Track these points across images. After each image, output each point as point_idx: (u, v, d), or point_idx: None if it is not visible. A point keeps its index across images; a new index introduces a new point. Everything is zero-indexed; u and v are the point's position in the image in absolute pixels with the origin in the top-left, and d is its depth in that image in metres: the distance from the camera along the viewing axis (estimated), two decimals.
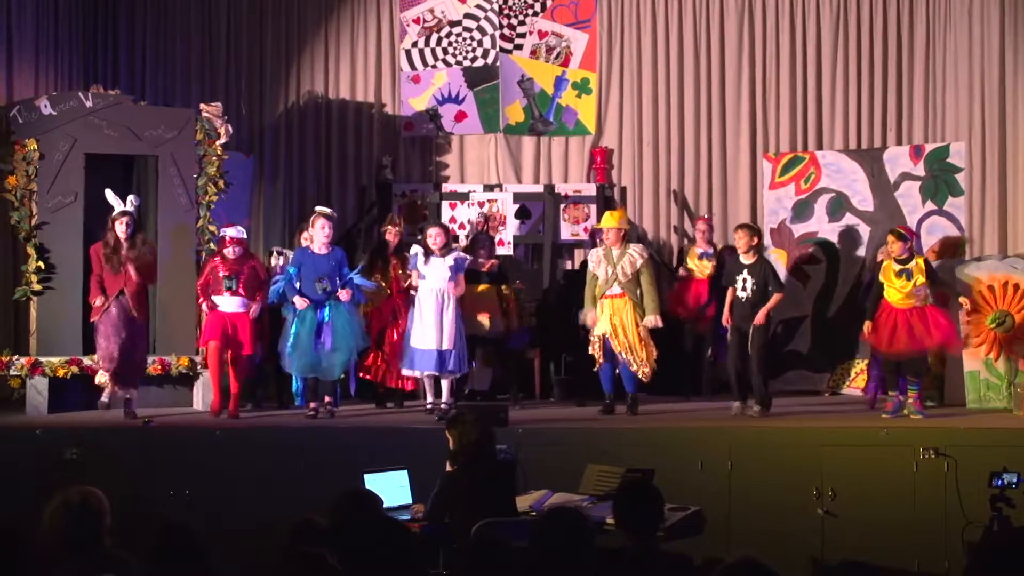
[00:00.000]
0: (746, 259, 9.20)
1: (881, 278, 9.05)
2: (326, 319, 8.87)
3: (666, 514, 5.33)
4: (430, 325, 9.15)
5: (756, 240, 9.28)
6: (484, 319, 9.58)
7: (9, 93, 10.06)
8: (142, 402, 8.96)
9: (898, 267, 8.96)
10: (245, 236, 9.26)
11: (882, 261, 9.27)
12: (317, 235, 9.07)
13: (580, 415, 9.12)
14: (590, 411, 9.21)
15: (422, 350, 9.16)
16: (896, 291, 8.93)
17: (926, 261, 9.14)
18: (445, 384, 9.20)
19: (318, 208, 9.35)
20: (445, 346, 9.13)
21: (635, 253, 9.12)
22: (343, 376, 9.26)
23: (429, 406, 9.18)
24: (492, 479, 6.07)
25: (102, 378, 8.83)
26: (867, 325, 9.03)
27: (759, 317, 9.03)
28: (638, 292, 9.03)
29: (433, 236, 9.35)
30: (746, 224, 9.75)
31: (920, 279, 8.89)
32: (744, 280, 9.12)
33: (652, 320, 9.00)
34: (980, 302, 9.51)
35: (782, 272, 10.61)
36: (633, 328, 8.96)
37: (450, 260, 9.24)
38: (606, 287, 9.07)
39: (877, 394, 9.65)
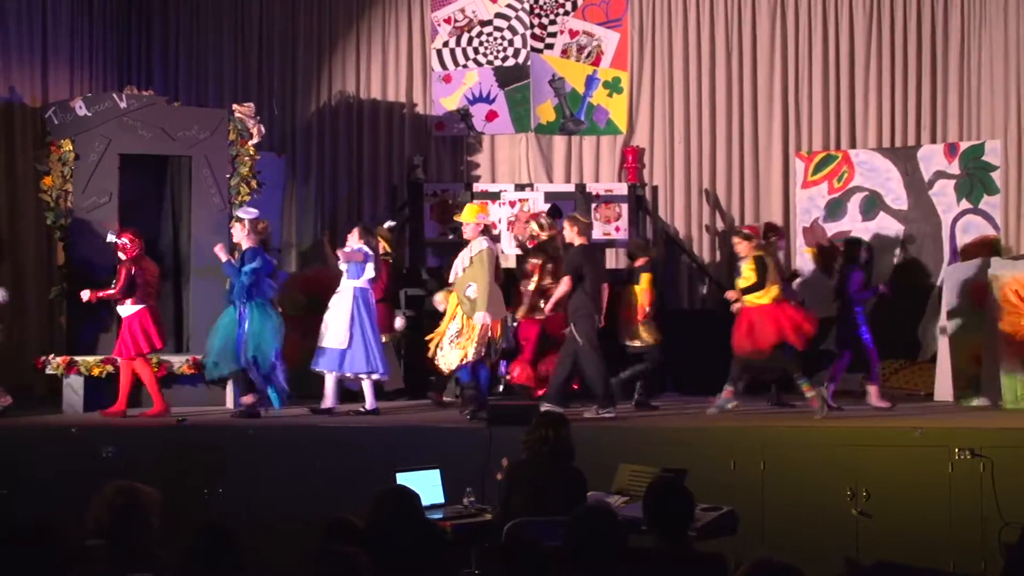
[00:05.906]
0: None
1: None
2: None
3: (698, 514, 5.30)
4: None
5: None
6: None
7: (44, 95, 10.17)
8: (175, 401, 9.02)
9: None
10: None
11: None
12: None
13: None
14: (621, 410, 8.95)
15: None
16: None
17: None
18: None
19: None
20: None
21: (470, 248, 8.69)
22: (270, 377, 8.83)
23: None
24: (557, 481, 5.77)
25: None
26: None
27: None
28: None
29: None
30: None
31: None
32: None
33: (479, 317, 8.49)
34: (1016, 301, 9.41)
35: (807, 268, 10.69)
36: (447, 323, 8.72)
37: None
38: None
39: None
